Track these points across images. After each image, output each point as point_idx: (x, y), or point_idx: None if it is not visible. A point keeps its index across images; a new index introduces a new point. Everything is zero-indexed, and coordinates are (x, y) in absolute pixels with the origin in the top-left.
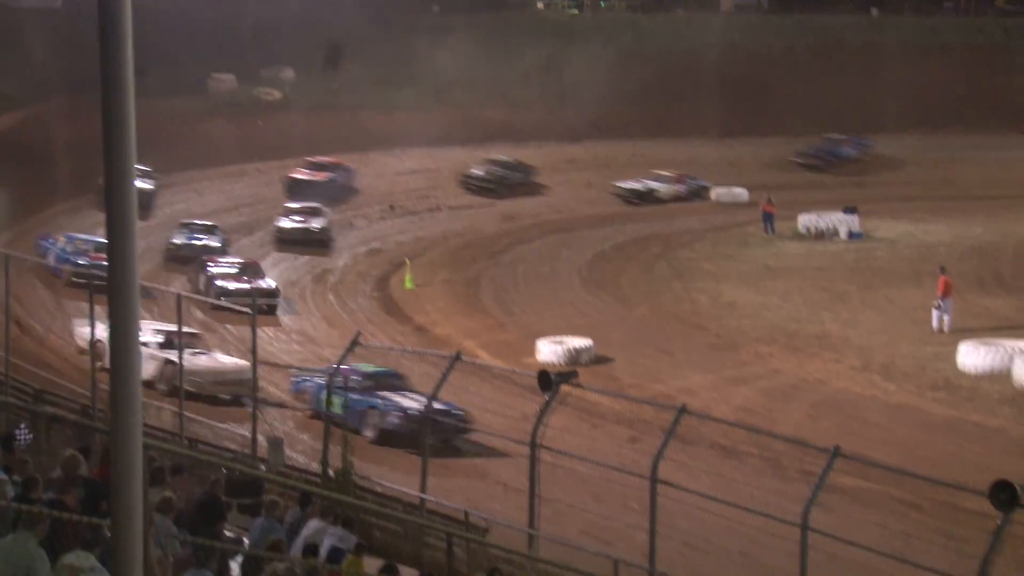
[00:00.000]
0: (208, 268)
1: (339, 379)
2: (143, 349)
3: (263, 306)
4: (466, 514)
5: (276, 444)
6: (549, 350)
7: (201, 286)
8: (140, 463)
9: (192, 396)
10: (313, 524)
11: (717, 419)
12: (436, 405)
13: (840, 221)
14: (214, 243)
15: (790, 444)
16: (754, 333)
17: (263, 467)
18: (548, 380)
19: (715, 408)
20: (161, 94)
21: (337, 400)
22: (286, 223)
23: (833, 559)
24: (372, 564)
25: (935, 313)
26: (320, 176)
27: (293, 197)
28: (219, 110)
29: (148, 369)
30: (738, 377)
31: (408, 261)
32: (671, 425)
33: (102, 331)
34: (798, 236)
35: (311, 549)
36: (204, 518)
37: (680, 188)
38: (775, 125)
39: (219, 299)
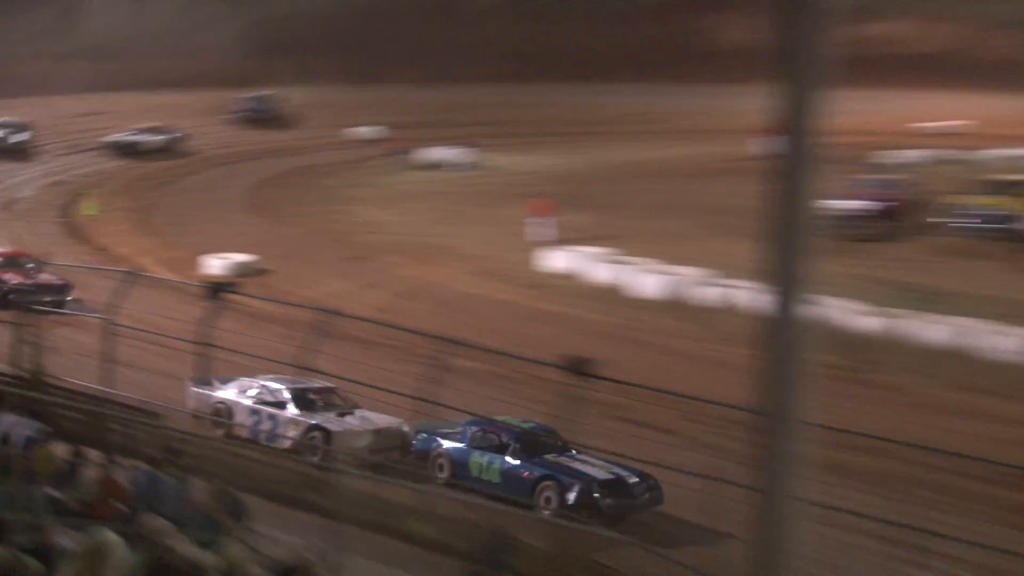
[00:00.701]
0: None
1: (479, 435)
2: (278, 413)
3: (49, 304)
4: (143, 403)
5: None
6: (216, 264)
7: None
8: None
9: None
10: (6, 418)
11: (357, 317)
12: (622, 473)
13: (460, 154)
14: None
15: (414, 335)
16: (387, 247)
17: None
18: (214, 289)
19: (356, 308)
20: None
21: (488, 465)
22: None
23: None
24: (62, 449)
25: (534, 229)
26: None
27: None
28: None
29: (288, 433)
30: (374, 283)
31: (89, 191)
32: (319, 325)
33: (225, 393)
34: (425, 167)
35: (5, 439)
36: None
37: (160, 139)
38: (401, 73)
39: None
